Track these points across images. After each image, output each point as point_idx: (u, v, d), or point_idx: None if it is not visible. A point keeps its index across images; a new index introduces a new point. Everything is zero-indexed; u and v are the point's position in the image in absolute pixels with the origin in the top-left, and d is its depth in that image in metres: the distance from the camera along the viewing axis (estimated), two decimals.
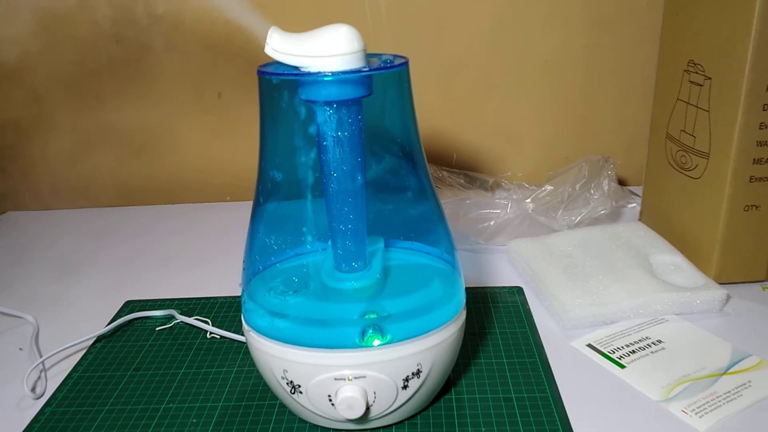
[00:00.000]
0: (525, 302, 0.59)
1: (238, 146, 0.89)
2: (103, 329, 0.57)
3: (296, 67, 0.39)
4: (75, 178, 0.90)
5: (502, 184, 0.80)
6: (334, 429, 0.45)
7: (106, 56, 0.84)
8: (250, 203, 0.45)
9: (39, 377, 0.53)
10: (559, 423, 0.44)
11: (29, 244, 0.79)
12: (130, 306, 0.62)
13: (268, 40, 0.39)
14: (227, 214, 0.85)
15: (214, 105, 0.86)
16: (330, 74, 0.38)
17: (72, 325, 0.59)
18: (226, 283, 0.65)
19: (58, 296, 0.66)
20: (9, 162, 0.89)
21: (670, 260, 0.61)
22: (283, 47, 0.38)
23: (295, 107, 0.41)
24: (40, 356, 0.55)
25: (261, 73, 0.40)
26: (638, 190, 0.77)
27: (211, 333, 0.56)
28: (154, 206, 0.90)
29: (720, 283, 0.58)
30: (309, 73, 0.38)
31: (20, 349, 0.57)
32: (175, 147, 0.88)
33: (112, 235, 0.80)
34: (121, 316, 0.60)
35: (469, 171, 0.83)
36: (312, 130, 0.41)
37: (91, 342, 0.57)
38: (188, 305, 0.61)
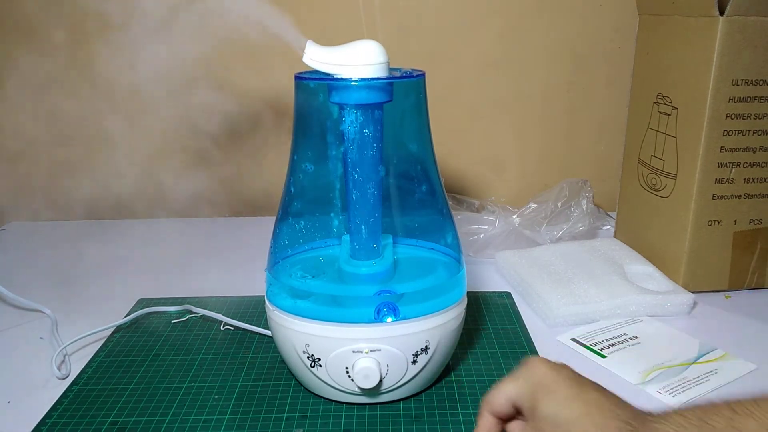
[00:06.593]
0: (513, 304, 0.65)
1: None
2: (121, 320, 0.61)
3: (329, 75, 0.45)
4: (77, 192, 0.94)
5: (488, 206, 0.87)
6: (347, 403, 0.49)
7: None
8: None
9: (63, 361, 0.56)
10: None
11: (34, 252, 0.82)
12: (143, 302, 0.66)
13: (306, 51, 0.44)
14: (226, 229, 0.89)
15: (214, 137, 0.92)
16: (359, 80, 0.44)
17: (88, 318, 0.62)
18: (231, 283, 0.69)
19: (71, 295, 0.69)
20: (12, 173, 0.93)
21: (643, 270, 0.68)
22: (320, 57, 0.44)
23: (327, 109, 0.47)
24: (61, 344, 0.58)
25: (298, 78, 0.46)
26: (612, 215, 0.84)
27: (225, 324, 0.60)
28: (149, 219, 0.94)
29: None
30: (342, 79, 0.44)
31: (41, 338, 0.60)
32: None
33: (116, 244, 0.84)
34: (136, 311, 0.63)
35: (456, 194, 0.90)
36: (339, 129, 0.47)
37: (110, 332, 0.60)
38: (198, 303, 0.65)
